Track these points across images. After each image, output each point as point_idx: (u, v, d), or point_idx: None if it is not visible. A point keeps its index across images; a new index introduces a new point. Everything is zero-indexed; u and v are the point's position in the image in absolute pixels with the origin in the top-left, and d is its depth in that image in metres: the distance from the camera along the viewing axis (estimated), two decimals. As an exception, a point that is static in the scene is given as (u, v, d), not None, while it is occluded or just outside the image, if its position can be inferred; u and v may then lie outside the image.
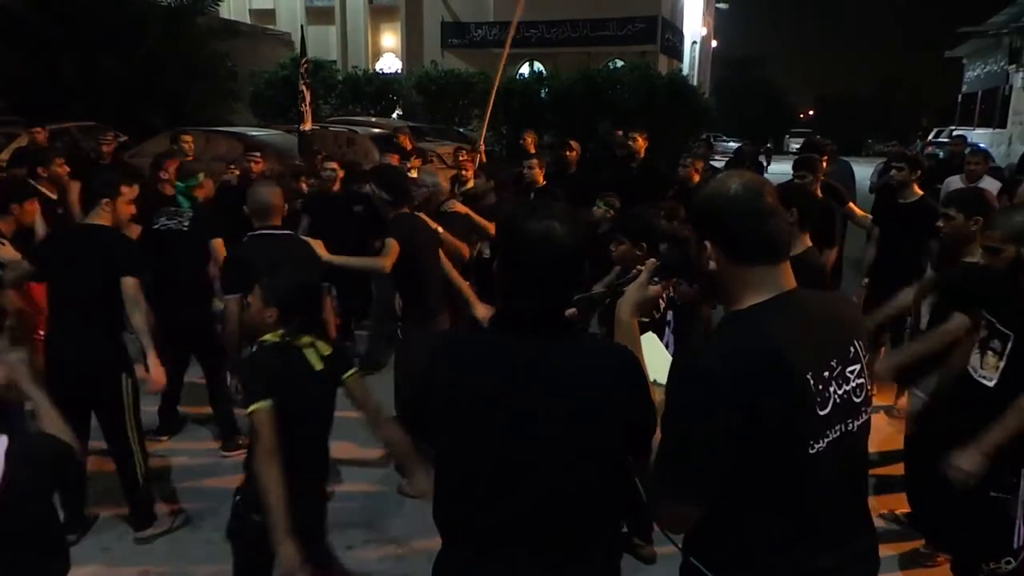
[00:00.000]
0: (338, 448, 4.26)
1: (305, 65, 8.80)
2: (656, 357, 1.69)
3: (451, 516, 1.54)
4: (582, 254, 1.48)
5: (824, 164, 6.08)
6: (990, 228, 2.76)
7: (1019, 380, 2.63)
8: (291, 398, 2.35)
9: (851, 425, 1.47)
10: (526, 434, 1.42)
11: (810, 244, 3.29)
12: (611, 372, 1.47)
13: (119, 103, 13.64)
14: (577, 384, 1.43)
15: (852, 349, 1.49)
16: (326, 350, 2.49)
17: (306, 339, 2.45)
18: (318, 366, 2.44)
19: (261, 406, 2.29)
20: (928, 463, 3.38)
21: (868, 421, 1.54)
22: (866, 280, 6.07)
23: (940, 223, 3.48)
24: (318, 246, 3.76)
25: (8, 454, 1.71)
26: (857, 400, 1.49)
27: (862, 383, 1.50)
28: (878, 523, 3.68)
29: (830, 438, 1.43)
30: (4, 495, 1.68)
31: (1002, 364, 2.68)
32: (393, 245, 3.80)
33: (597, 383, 1.44)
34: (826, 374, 1.43)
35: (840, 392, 1.44)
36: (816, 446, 1.40)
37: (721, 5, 35.98)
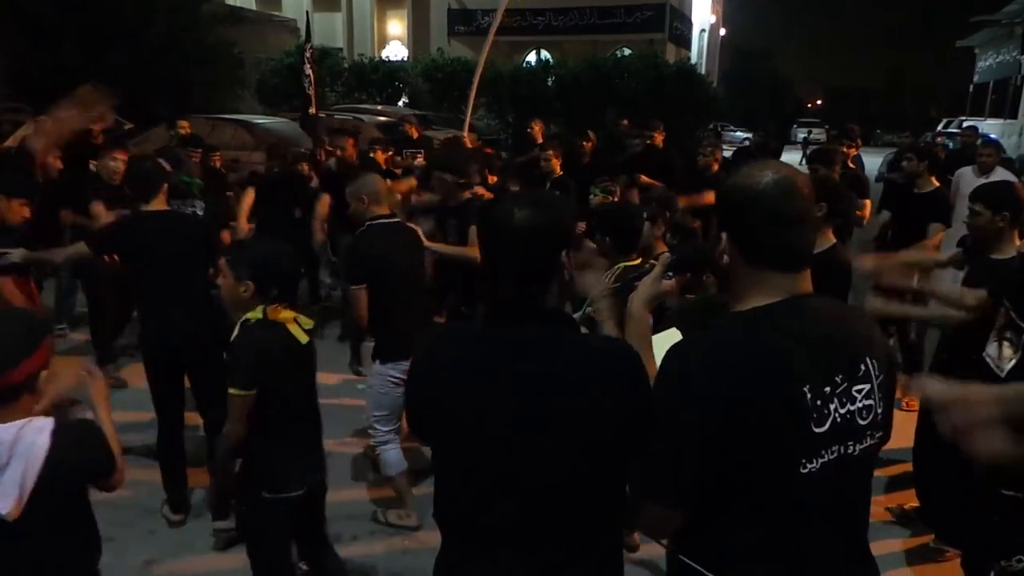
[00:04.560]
0: (346, 442, 4.32)
1: (310, 51, 8.75)
2: None
3: (450, 515, 1.51)
4: (551, 238, 1.42)
5: (855, 150, 6.09)
6: None
7: None
8: (279, 377, 2.42)
9: (852, 448, 1.35)
10: (517, 429, 1.38)
11: (834, 240, 3.17)
12: (607, 367, 1.42)
13: (124, 91, 13.61)
14: (569, 376, 1.39)
15: (863, 367, 1.37)
16: (308, 323, 2.53)
17: (287, 313, 2.44)
18: (304, 339, 2.48)
19: (241, 393, 2.37)
20: (938, 458, 3.36)
21: (873, 447, 1.41)
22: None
23: (966, 219, 3.37)
24: (424, 239, 3.79)
25: (55, 434, 1.71)
26: (862, 422, 1.36)
27: (871, 404, 1.37)
28: (886, 517, 3.69)
29: (825, 459, 1.32)
30: (44, 475, 1.67)
31: (1017, 356, 2.65)
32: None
33: (592, 378, 1.39)
34: (827, 389, 1.31)
35: (843, 411, 1.33)
36: (809, 466, 1.30)
37: (730, -7, 35.69)
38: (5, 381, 1.67)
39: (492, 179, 5.70)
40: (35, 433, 1.68)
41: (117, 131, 12.32)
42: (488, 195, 4.86)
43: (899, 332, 4.95)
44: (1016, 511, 2.70)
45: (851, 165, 6.12)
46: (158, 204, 3.50)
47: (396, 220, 3.60)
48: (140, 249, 3.44)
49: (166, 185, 3.58)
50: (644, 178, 6.32)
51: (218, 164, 6.17)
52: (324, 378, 5.10)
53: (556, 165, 5.97)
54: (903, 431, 3.82)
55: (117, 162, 4.99)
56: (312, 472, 2.59)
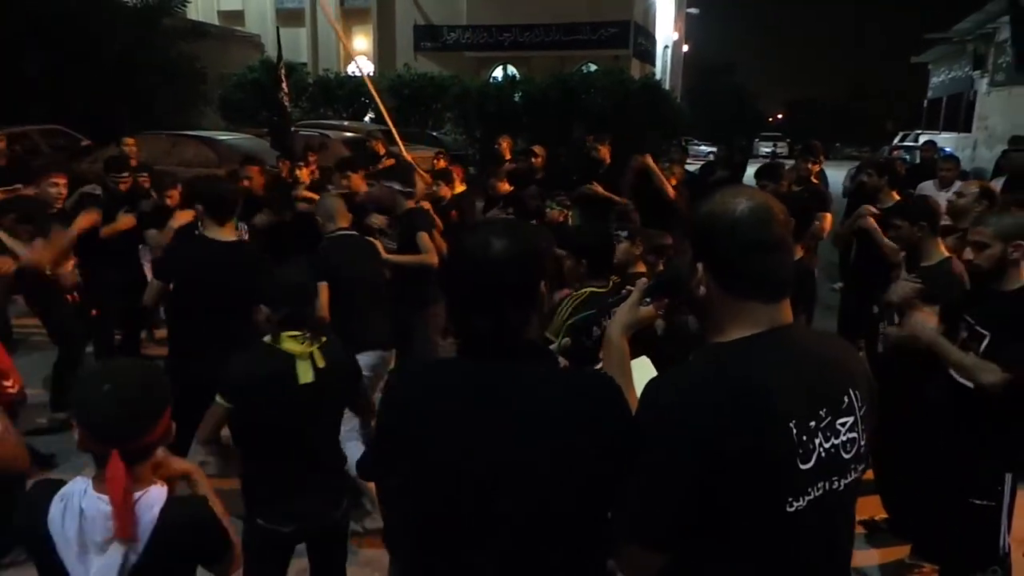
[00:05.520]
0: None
1: (283, 70, 8.68)
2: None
3: (416, 548, 1.45)
4: (530, 267, 1.37)
5: (819, 167, 6.15)
6: (981, 224, 2.76)
7: None
8: (265, 403, 2.38)
9: (837, 483, 1.32)
10: (500, 466, 1.32)
11: (802, 252, 3.31)
12: (590, 401, 1.36)
13: (84, 106, 13.29)
14: (552, 412, 1.33)
15: (847, 399, 1.34)
16: (320, 362, 2.42)
17: (301, 348, 2.37)
18: (306, 378, 2.38)
19: (219, 403, 2.40)
20: (909, 468, 3.38)
21: (857, 481, 1.38)
22: (840, 284, 6.13)
23: (891, 232, 3.63)
24: (379, 246, 4.18)
25: (164, 511, 1.52)
26: (846, 456, 1.33)
27: (854, 437, 1.34)
28: (857, 530, 3.68)
29: (812, 496, 1.27)
30: (147, 556, 1.48)
31: None
32: (426, 238, 4.41)
33: (575, 413, 1.34)
34: (813, 424, 1.28)
35: (827, 446, 1.29)
36: (795, 504, 1.26)
37: (692, 10, 36.28)
38: (140, 440, 1.50)
39: (448, 193, 5.74)
40: (145, 509, 1.50)
41: (74, 147, 12.03)
42: (428, 206, 5.06)
43: (868, 345, 4.99)
44: (987, 521, 2.72)
45: (814, 180, 6.18)
46: (228, 231, 3.46)
47: (352, 233, 3.98)
48: (197, 277, 3.42)
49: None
50: (597, 187, 6.28)
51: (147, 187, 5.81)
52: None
53: (503, 187, 6.13)
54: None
55: (58, 187, 4.67)
56: (308, 514, 2.47)
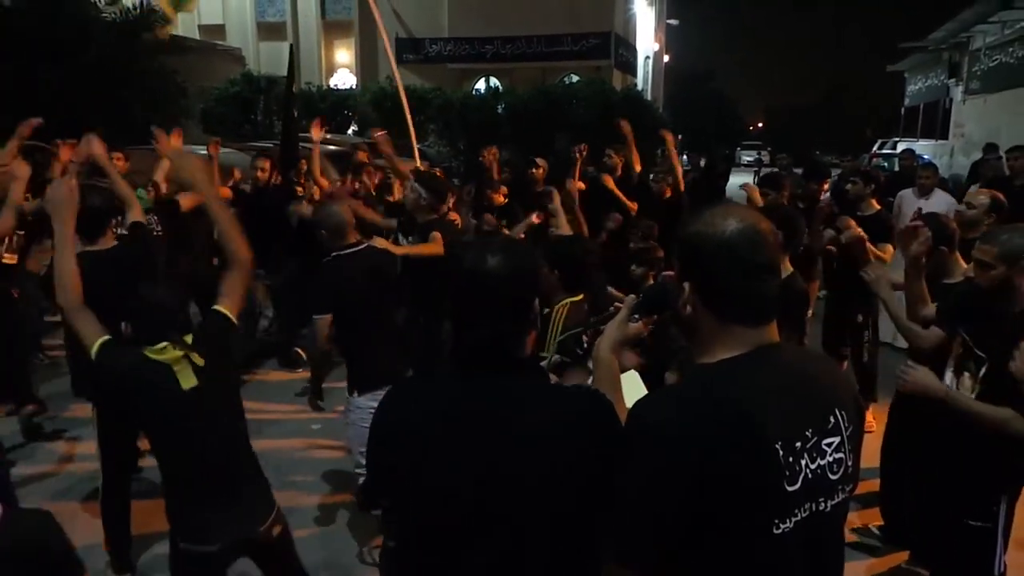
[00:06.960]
0: (300, 484, 4.16)
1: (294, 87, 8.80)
2: (637, 397, 1.60)
3: (411, 559, 1.43)
4: (526, 283, 1.38)
5: (825, 186, 6.12)
6: (987, 243, 2.64)
7: (995, 403, 2.58)
8: (153, 420, 2.31)
9: (824, 505, 1.30)
10: (491, 484, 1.32)
11: (792, 268, 3.25)
12: (582, 418, 1.36)
13: (61, 120, 13.14)
14: (545, 429, 1.33)
15: (832, 419, 1.33)
16: (200, 360, 2.29)
17: (173, 353, 2.24)
18: (188, 384, 2.26)
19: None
20: (907, 484, 3.39)
21: (845, 502, 1.36)
22: (824, 293, 6.16)
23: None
24: (388, 245, 3.88)
25: (3, 523, 1.48)
26: (833, 477, 1.31)
27: (841, 458, 1.33)
28: (851, 539, 3.70)
29: (798, 518, 1.26)
30: None
31: (978, 388, 2.65)
32: (438, 236, 4.16)
33: (568, 430, 1.34)
34: (798, 444, 1.26)
35: (813, 466, 1.28)
36: (782, 526, 1.24)
37: (672, 21, 36.63)
38: None
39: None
40: None
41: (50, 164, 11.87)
42: (457, 217, 4.88)
43: (853, 354, 5.02)
44: (983, 540, 2.71)
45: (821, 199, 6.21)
46: (105, 242, 3.36)
47: (360, 248, 3.55)
48: (93, 291, 3.26)
49: (114, 220, 3.46)
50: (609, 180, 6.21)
51: None
52: (276, 416, 4.95)
53: (499, 198, 6.06)
54: (866, 452, 3.88)
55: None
56: (228, 529, 2.35)
